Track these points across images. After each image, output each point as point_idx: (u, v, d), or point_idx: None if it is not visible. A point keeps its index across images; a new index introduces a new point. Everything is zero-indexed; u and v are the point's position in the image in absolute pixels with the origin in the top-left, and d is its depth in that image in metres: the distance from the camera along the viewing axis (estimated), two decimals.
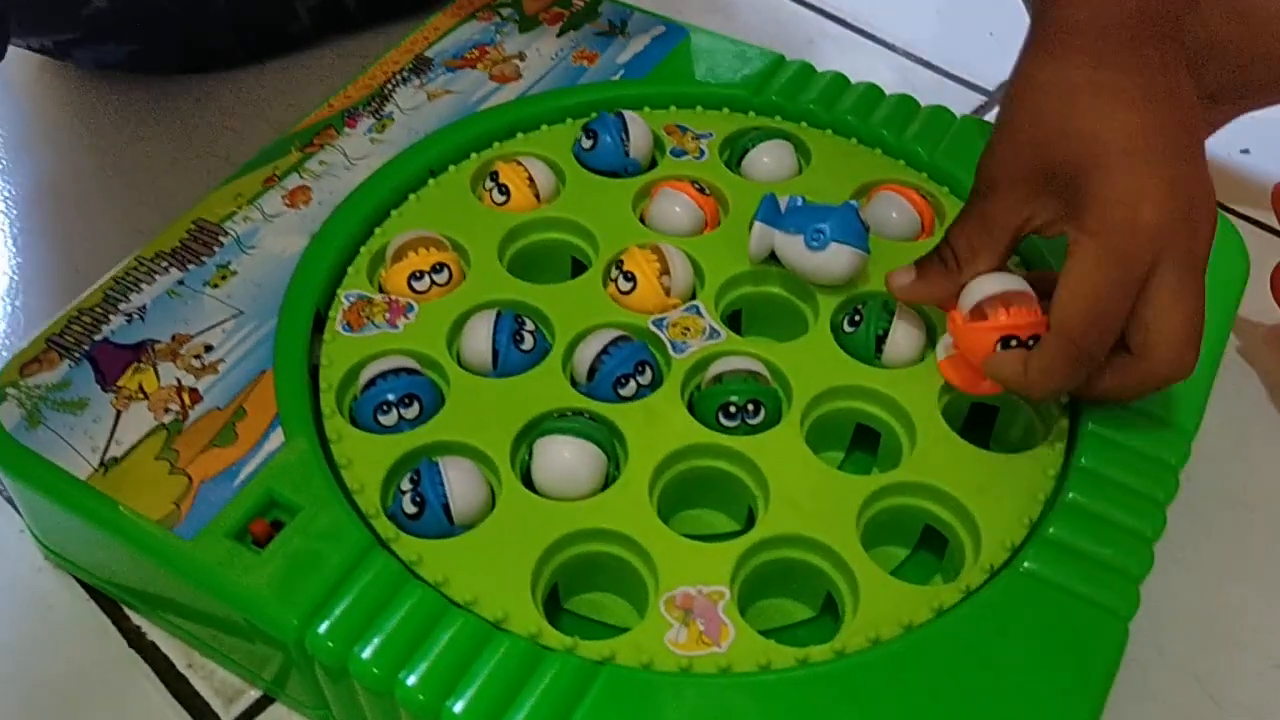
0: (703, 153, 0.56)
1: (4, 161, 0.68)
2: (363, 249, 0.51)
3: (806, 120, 0.57)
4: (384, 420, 0.45)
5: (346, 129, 0.56)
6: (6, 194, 0.66)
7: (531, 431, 0.45)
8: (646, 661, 0.38)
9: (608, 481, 0.44)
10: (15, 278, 0.62)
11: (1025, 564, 0.41)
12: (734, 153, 0.56)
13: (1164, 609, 0.48)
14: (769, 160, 0.55)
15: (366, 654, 0.38)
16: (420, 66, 0.60)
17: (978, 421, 0.48)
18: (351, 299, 0.49)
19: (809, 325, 0.49)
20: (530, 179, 0.53)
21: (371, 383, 0.46)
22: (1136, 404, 0.45)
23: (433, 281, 0.49)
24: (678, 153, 0.56)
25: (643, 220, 0.53)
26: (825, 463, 0.44)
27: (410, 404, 0.45)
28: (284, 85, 0.72)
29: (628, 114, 0.55)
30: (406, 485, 0.43)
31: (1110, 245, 0.40)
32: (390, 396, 0.45)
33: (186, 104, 0.71)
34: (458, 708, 0.37)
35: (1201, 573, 0.49)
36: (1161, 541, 0.42)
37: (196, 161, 0.67)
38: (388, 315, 0.49)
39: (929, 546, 0.45)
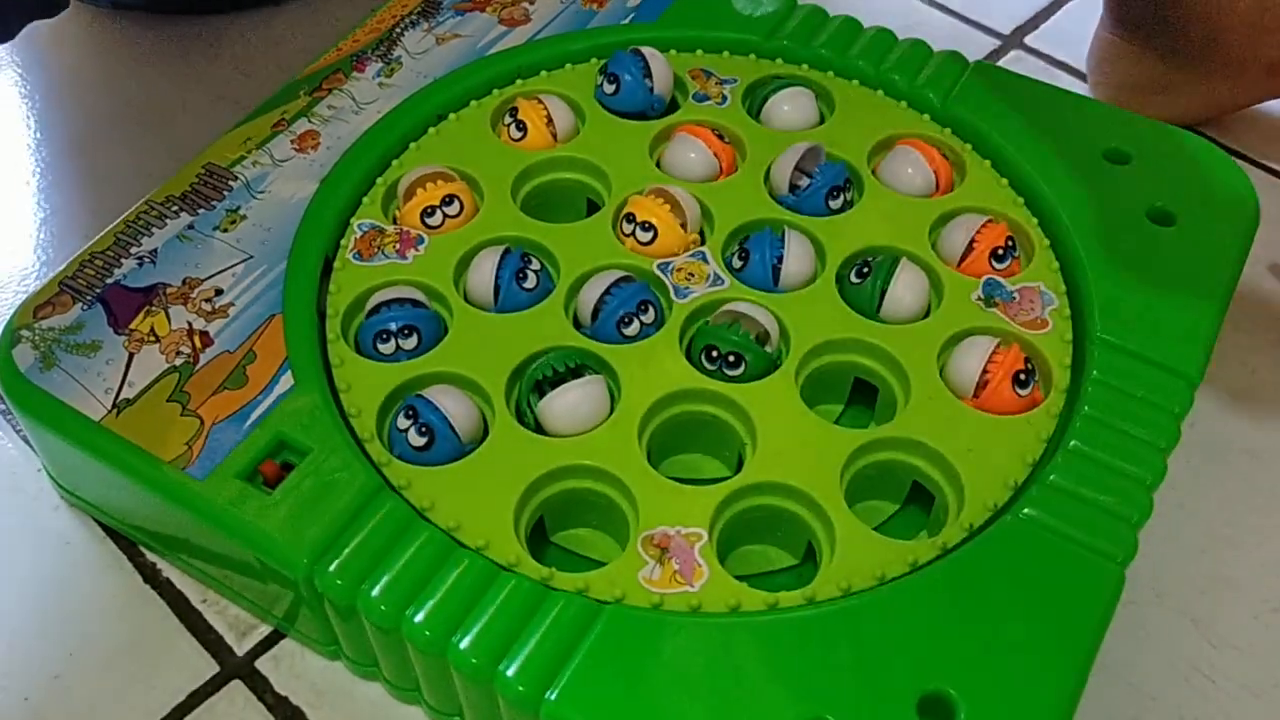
0: (725, 99, 0.55)
1: (19, 106, 0.69)
2: (379, 180, 0.52)
3: (824, 66, 0.57)
4: (382, 349, 0.46)
5: (355, 73, 0.56)
6: (21, 137, 0.67)
7: (527, 368, 0.45)
8: (619, 595, 0.39)
9: None
10: (29, 220, 0.62)
11: (1025, 510, 0.41)
12: (755, 100, 0.56)
13: (1165, 554, 0.48)
14: (789, 109, 0.55)
15: (375, 592, 0.39)
16: (429, 10, 0.59)
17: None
18: (364, 228, 0.50)
19: (816, 275, 0.49)
20: (549, 118, 0.53)
21: (375, 310, 0.46)
22: (1141, 351, 0.45)
23: (444, 215, 0.50)
24: (700, 97, 0.55)
25: (659, 165, 0.53)
26: (821, 415, 0.44)
27: (409, 335, 0.46)
28: (296, 29, 0.72)
29: (645, 50, 0.55)
30: (405, 422, 0.43)
31: None
32: (391, 326, 0.46)
33: (199, 47, 0.71)
34: (464, 644, 0.38)
35: (1203, 518, 0.50)
36: (1164, 488, 0.42)
37: (208, 105, 0.68)
38: (398, 246, 0.49)
39: (919, 503, 0.45)
